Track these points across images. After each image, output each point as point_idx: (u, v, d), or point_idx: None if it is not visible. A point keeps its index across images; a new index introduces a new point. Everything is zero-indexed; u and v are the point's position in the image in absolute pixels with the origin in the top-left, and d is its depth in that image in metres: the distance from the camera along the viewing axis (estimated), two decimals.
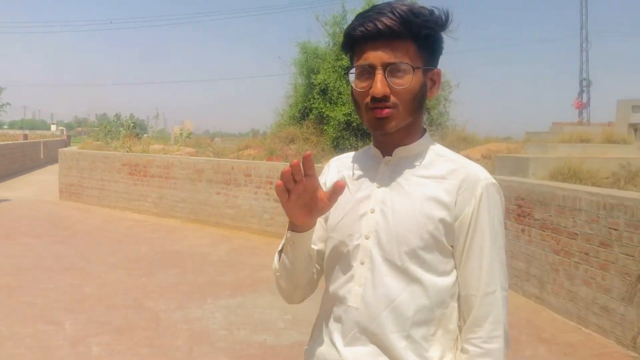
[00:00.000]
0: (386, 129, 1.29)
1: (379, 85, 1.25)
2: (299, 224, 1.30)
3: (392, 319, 1.29)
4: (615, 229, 4.78)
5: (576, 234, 5.26)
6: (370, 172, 1.39)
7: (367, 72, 1.28)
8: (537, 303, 5.87)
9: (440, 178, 1.31)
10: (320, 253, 1.48)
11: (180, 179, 11.03)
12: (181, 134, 16.38)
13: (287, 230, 1.35)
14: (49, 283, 6.34)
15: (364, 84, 1.29)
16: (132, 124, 16.46)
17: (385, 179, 1.35)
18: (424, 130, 1.40)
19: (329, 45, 12.99)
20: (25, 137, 35.15)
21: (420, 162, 1.35)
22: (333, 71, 11.99)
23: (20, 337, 4.70)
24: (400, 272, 1.29)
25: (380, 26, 1.24)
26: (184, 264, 7.47)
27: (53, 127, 78.05)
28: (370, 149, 1.44)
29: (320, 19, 13.22)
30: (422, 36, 1.27)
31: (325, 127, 12.18)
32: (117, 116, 18.40)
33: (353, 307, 1.32)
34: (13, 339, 4.66)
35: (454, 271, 1.33)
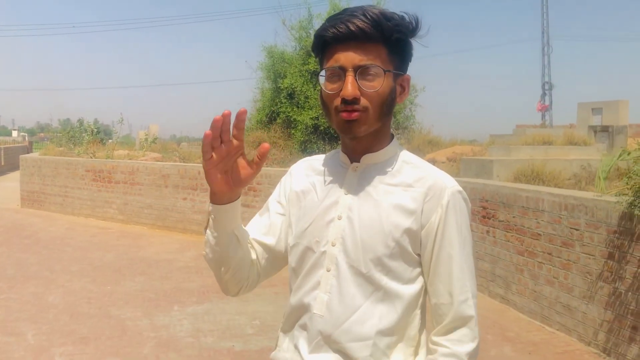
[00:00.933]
0: (355, 132, 1.28)
1: (350, 87, 1.24)
2: (217, 192, 1.30)
3: (355, 328, 1.29)
4: (577, 229, 4.90)
5: (539, 234, 5.37)
6: (338, 178, 1.38)
7: (337, 75, 1.27)
8: (502, 303, 5.97)
9: (406, 186, 1.31)
10: (267, 247, 1.46)
11: (146, 185, 10.88)
12: (146, 139, 16.14)
13: (209, 202, 1.34)
14: (10, 293, 6.18)
15: (334, 86, 1.27)
16: (95, 130, 16.15)
17: (353, 186, 1.35)
18: (392, 137, 1.40)
19: (295, 49, 12.98)
20: None
21: (388, 170, 1.34)
22: (300, 75, 11.99)
23: None
24: (365, 280, 1.29)
25: (352, 28, 1.23)
26: (150, 271, 7.36)
27: (14, 133, 76.11)
28: (339, 153, 1.43)
29: (287, 23, 13.21)
30: (393, 40, 1.27)
31: (292, 131, 12.17)
32: (81, 121, 18.07)
33: (318, 315, 1.32)
34: None
35: (420, 279, 1.33)
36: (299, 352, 1.35)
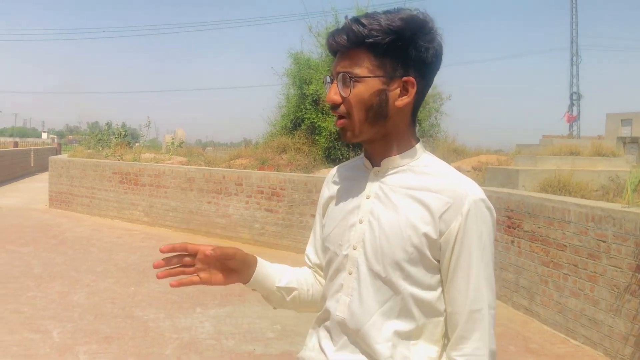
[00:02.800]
0: (344, 139, 1.33)
1: (330, 93, 1.30)
2: (228, 283, 1.44)
3: (375, 330, 1.30)
4: (604, 241, 4.82)
5: (565, 245, 5.30)
6: (361, 182, 1.40)
7: (329, 83, 1.34)
8: (526, 314, 5.89)
9: (427, 191, 1.30)
10: (322, 266, 1.54)
11: (171, 188, 11.00)
12: (173, 142, 16.33)
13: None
14: (37, 291, 6.30)
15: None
16: (123, 133, 16.40)
17: (374, 190, 1.36)
18: (418, 141, 1.39)
19: (321, 56, 13.03)
20: (16, 144, 34.96)
21: (409, 174, 1.34)
22: (325, 82, 12.03)
23: (6, 345, 4.66)
24: (384, 284, 1.30)
25: (335, 41, 1.29)
26: None
27: (44, 135, 77.74)
28: (363, 158, 1.44)
29: (313, 30, 13.28)
30: (371, 44, 1.25)
31: (317, 137, 12.19)
32: (109, 124, 18.35)
33: (340, 317, 1.35)
34: None
35: (440, 286, 1.32)
36: (324, 352, 1.38)
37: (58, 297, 6.09)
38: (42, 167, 25.51)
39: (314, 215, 1.54)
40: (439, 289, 1.32)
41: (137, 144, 18.22)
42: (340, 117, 1.30)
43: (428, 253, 1.28)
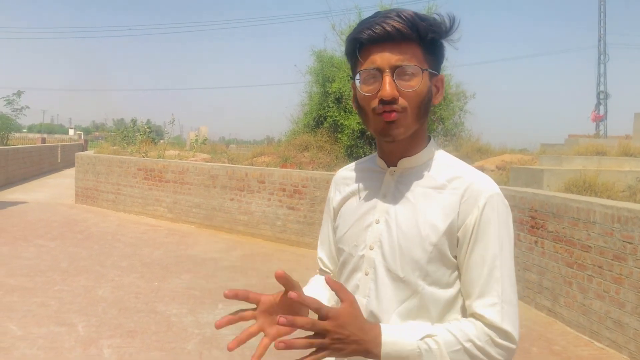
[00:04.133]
0: (394, 135, 1.27)
1: (388, 87, 1.22)
2: None
3: None
4: (630, 243, 4.74)
5: (590, 246, 5.23)
6: (376, 183, 1.39)
7: (374, 76, 1.26)
8: (549, 316, 5.83)
9: (442, 188, 1.30)
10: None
11: (195, 185, 11.11)
12: (196, 140, 16.46)
13: None
14: (63, 285, 6.41)
15: (371, 88, 1.26)
16: (148, 130, 16.59)
17: (390, 190, 1.35)
18: (429, 138, 1.39)
19: (344, 54, 13.04)
20: (44, 140, 35.62)
21: (425, 173, 1.33)
22: (348, 80, 12.01)
23: (33, 337, 4.76)
24: (402, 284, 1.29)
25: (388, 28, 1.22)
26: (196, 269, 7.51)
27: (71, 132, 78.91)
28: (375, 158, 1.43)
29: (336, 28, 13.29)
30: (429, 40, 1.26)
31: (339, 136, 12.21)
32: (134, 121, 18.57)
33: None
34: (26, 339, 4.72)
35: (457, 284, 1.31)
36: None
37: (83, 291, 6.19)
38: (69, 163, 25.95)
39: None
40: (458, 286, 1.31)
41: (161, 141, 18.41)
42: (391, 110, 1.24)
43: (447, 251, 1.27)
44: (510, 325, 1.22)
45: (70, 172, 19.11)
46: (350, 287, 1.37)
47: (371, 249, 1.34)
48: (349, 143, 11.97)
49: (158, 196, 11.88)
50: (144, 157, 13.19)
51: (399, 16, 1.24)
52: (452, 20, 1.29)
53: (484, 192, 1.27)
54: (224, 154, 14.41)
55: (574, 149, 10.48)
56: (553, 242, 5.78)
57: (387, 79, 1.23)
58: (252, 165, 11.65)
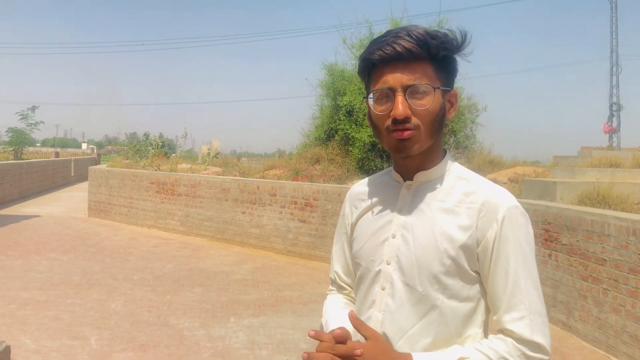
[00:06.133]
0: (409, 152, 1.28)
1: (400, 107, 1.24)
2: None
3: (409, 346, 1.28)
4: None
5: (605, 260, 5.17)
6: (392, 197, 1.39)
7: (387, 96, 1.27)
8: (564, 330, 5.76)
9: (460, 202, 1.30)
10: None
11: (207, 198, 11.14)
12: (208, 153, 16.53)
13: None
14: (76, 298, 6.44)
15: (384, 107, 1.28)
16: (160, 143, 16.70)
17: (407, 204, 1.35)
18: (445, 152, 1.39)
19: (355, 67, 13.07)
20: (57, 154, 35.94)
21: (441, 186, 1.34)
22: (359, 93, 12.05)
23: (47, 350, 4.78)
24: (420, 299, 1.28)
25: (398, 49, 1.24)
26: (208, 282, 7.51)
27: (84, 146, 79.61)
28: (391, 172, 1.44)
29: (347, 42, 13.35)
30: (440, 58, 1.27)
31: (350, 149, 12.21)
32: (146, 135, 18.69)
33: None
34: (40, 352, 4.73)
35: (479, 297, 1.30)
36: None
37: (96, 305, 6.21)
38: (81, 177, 26.12)
39: None
40: (478, 301, 1.30)
41: (173, 155, 18.51)
42: (404, 128, 1.26)
43: (465, 264, 1.27)
44: (540, 337, 1.22)
45: (83, 185, 19.23)
46: (367, 302, 1.37)
47: (388, 264, 1.33)
48: (360, 156, 11.97)
49: (170, 209, 11.93)
50: (156, 170, 13.26)
51: (409, 35, 1.25)
52: (464, 36, 1.30)
53: (501, 206, 1.27)
54: (236, 167, 14.44)
55: (587, 161, 10.40)
56: (567, 255, 5.73)
57: (399, 98, 1.25)
58: (264, 178, 11.67)
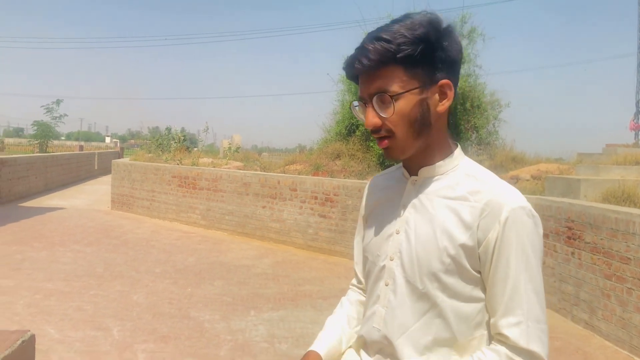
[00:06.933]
0: (392, 158, 1.29)
1: (369, 118, 1.25)
2: None
3: (408, 346, 1.27)
4: None
5: (629, 258, 5.09)
6: (399, 192, 1.38)
7: (362, 105, 1.29)
8: (587, 329, 5.69)
9: (463, 200, 1.26)
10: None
11: (228, 192, 11.21)
12: (229, 148, 16.62)
13: None
14: (98, 290, 6.53)
15: (362, 117, 1.30)
16: (182, 138, 16.83)
17: (411, 200, 1.33)
18: (456, 145, 1.36)
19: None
20: (81, 148, 36.45)
21: (446, 183, 1.31)
22: None
23: (70, 341, 4.86)
24: (420, 296, 1.27)
25: (358, 66, 1.24)
26: (228, 275, 7.57)
27: (107, 139, 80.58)
28: (401, 167, 1.43)
29: None
30: (403, 58, 1.21)
31: (371, 144, 12.18)
32: (169, 129, 18.85)
33: (376, 328, 1.33)
34: (64, 342, 4.82)
35: (482, 298, 1.27)
36: (361, 358, 1.38)
37: (118, 296, 6.30)
38: (105, 170, 26.46)
39: None
40: (481, 302, 1.27)
41: (195, 149, 18.64)
42: (382, 137, 1.27)
43: (466, 263, 1.24)
44: (537, 345, 1.18)
45: (107, 179, 19.48)
46: (373, 296, 1.37)
47: (391, 260, 1.33)
48: (381, 151, 11.92)
49: (192, 203, 12.03)
50: (178, 164, 13.37)
51: (367, 48, 1.22)
52: (436, 25, 1.24)
53: (505, 207, 1.22)
54: (257, 162, 14.50)
55: (612, 158, 10.24)
56: (590, 254, 5.65)
57: (368, 109, 1.26)
58: (284, 173, 11.70)
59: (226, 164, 13.93)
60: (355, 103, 1.31)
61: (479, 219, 1.23)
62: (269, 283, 7.27)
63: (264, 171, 12.18)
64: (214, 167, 13.02)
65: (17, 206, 13.99)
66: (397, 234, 1.33)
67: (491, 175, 1.31)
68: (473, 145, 13.16)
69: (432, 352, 1.26)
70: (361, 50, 1.23)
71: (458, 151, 1.35)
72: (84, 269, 7.51)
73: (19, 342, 3.25)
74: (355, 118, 9.31)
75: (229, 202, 11.19)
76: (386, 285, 1.33)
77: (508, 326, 1.20)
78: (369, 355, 1.35)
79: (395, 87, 1.22)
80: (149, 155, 16.42)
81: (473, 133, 12.66)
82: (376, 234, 1.39)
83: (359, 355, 1.39)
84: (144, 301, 6.17)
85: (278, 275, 7.76)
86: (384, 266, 1.34)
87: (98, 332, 5.11)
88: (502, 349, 1.19)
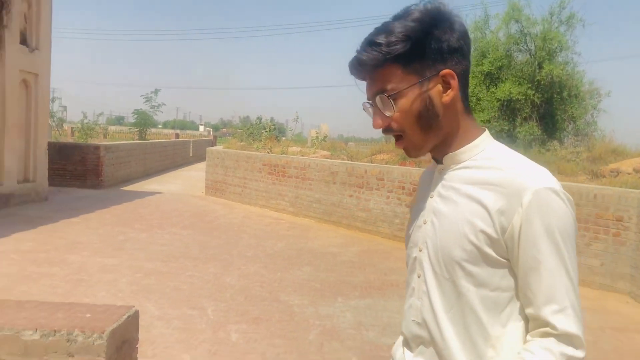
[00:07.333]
0: (412, 156, 1.30)
1: (375, 118, 1.27)
2: None
3: (446, 336, 1.25)
4: None
5: None
6: (430, 182, 1.37)
7: (371, 106, 1.30)
8: None
9: (486, 184, 1.21)
10: None
11: (316, 181, 11.38)
12: (317, 137, 16.83)
13: None
14: (194, 271, 6.86)
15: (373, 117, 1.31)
16: (273, 127, 17.24)
17: (437, 189, 1.31)
18: (483, 130, 1.31)
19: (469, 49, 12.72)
20: (177, 136, 38.11)
21: (471, 169, 1.27)
22: (472, 77, 11.74)
23: (169, 318, 5.15)
24: (447, 286, 1.24)
25: (357, 70, 1.25)
26: (316, 262, 7.72)
27: (201, 128, 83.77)
28: None
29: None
30: (400, 56, 1.21)
31: None
32: (259, 119, 19.35)
33: (415, 322, 1.32)
34: (163, 319, 5.12)
35: (512, 287, 1.21)
36: (404, 353, 1.37)
37: (213, 278, 6.59)
38: (199, 157, 27.57)
39: None
40: (513, 291, 1.21)
41: (283, 138, 19.03)
42: (397, 137, 1.27)
43: (489, 250, 1.19)
44: (581, 330, 1.15)
45: (201, 165, 20.30)
46: (409, 289, 1.36)
47: (420, 251, 1.31)
48: None
49: (281, 190, 12.31)
50: (268, 153, 13.71)
51: (361, 54, 1.23)
52: (430, 15, 1.22)
53: (529, 188, 1.16)
54: (344, 151, 14.60)
55: None
56: None
57: (375, 110, 1.27)
58: (371, 162, 11.72)
59: (314, 153, 14.13)
60: (367, 104, 1.31)
61: (499, 204, 1.18)
62: (355, 271, 7.34)
63: (351, 160, 12.26)
64: (302, 156, 13.25)
65: (119, 190, 14.90)
66: (424, 224, 1.31)
67: (517, 158, 1.24)
68: (570, 137, 12.60)
69: (468, 343, 1.22)
70: (355, 58, 1.25)
71: (484, 136, 1.30)
72: (180, 251, 7.91)
73: (125, 316, 3.50)
74: None
75: (317, 191, 11.36)
76: (418, 277, 1.31)
77: (552, 314, 1.14)
78: (411, 351, 1.34)
79: (393, 86, 1.22)
80: (241, 143, 16.94)
81: (570, 123, 12.12)
82: (412, 225, 1.38)
83: (404, 347, 1.38)
84: (236, 283, 6.42)
85: (364, 263, 7.82)
86: (415, 258, 1.33)
87: (194, 311, 5.38)
88: (553, 344, 1.14)
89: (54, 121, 24.78)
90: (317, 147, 15.39)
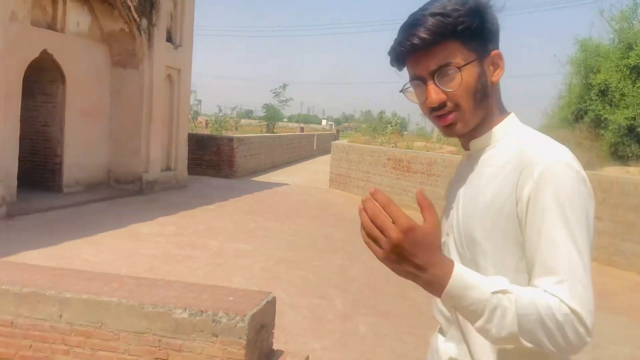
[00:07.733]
0: (456, 134, 1.27)
1: (433, 95, 1.22)
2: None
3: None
4: None
5: None
6: (460, 167, 1.39)
7: (419, 86, 1.26)
8: None
9: (506, 164, 1.21)
10: None
11: (442, 177, 11.17)
12: None
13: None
14: (320, 261, 7.02)
15: (420, 97, 1.27)
16: (398, 121, 17.18)
17: (465, 173, 1.32)
18: (508, 113, 1.31)
19: (613, 42, 11.84)
20: (302, 130, 39.14)
21: (494, 151, 1.27)
22: (616, 70, 10.92)
23: (298, 306, 5.32)
24: (472, 268, 1.17)
25: (415, 41, 1.20)
26: None
27: (323, 122, 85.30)
28: None
29: (605, 14, 12.13)
30: (462, 31, 1.20)
31: (602, 132, 11.17)
32: (382, 113, 19.37)
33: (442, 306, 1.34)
34: (294, 306, 5.29)
35: None
36: (437, 338, 1.38)
37: (339, 269, 6.71)
38: (322, 151, 28.12)
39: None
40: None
41: (405, 133, 18.90)
42: (445, 114, 1.24)
43: (508, 227, 1.17)
44: (582, 307, 1.04)
45: (324, 159, 20.71)
46: None
47: (447, 235, 1.32)
48: (613, 140, 10.89)
49: (405, 186, 12.23)
50: (393, 147, 13.68)
51: (424, 24, 1.20)
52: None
53: (541, 161, 1.14)
54: None
55: None
56: None
57: (430, 86, 1.23)
58: None
59: (440, 149, 13.89)
60: (407, 85, 1.29)
61: (515, 178, 1.17)
62: None
63: None
64: (428, 151, 13.07)
65: (250, 180, 15.60)
66: (451, 209, 1.33)
67: (539, 136, 1.24)
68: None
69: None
70: (418, 26, 1.21)
71: (509, 118, 1.31)
72: (306, 241, 8.13)
73: (265, 302, 3.66)
74: (584, 103, 8.62)
75: (443, 187, 11.15)
76: None
77: (552, 284, 1.07)
78: (444, 335, 1.35)
79: (459, 60, 1.21)
80: (365, 137, 17.05)
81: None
82: (443, 212, 1.38)
83: (438, 333, 1.39)
84: (362, 276, 6.49)
85: None
86: (444, 242, 1.33)
87: (322, 301, 5.51)
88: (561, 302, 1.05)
89: (190, 114, 26.42)
90: (443, 142, 15.11)
